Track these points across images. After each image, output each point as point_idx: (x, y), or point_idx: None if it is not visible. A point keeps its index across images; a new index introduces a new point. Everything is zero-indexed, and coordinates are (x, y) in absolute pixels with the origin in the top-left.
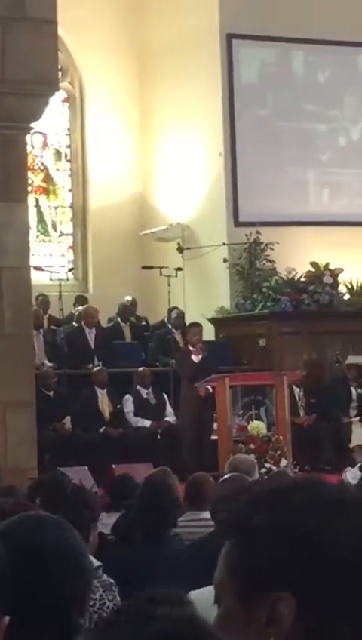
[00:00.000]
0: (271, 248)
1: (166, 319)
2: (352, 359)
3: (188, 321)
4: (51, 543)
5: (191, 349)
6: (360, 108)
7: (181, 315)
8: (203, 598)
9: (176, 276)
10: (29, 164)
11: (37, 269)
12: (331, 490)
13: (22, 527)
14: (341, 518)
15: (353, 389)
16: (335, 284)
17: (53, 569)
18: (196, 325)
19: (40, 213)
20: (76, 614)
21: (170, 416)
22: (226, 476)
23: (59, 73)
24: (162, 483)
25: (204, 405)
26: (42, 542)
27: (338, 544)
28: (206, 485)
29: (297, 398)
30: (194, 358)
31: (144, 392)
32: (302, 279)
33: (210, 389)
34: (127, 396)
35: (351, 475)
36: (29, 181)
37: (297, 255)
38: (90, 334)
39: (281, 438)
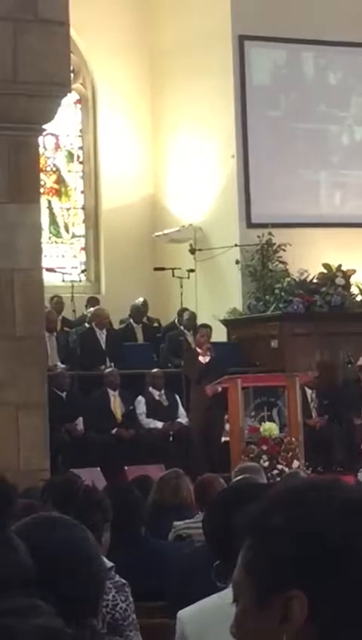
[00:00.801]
0: (284, 250)
1: (177, 321)
2: None
3: (200, 322)
4: (64, 543)
5: (198, 350)
6: None
7: (193, 317)
8: (192, 618)
9: (189, 278)
10: (41, 165)
11: (49, 270)
12: (347, 490)
13: (35, 528)
14: (355, 519)
15: None
16: (347, 286)
17: (66, 570)
18: (205, 327)
19: (52, 215)
20: (89, 615)
21: (183, 418)
22: (238, 478)
23: (72, 75)
24: (124, 488)
25: (214, 406)
26: (55, 543)
27: (351, 544)
28: (216, 486)
29: (309, 399)
30: (202, 359)
31: (156, 394)
32: (314, 281)
33: (219, 389)
34: (140, 397)
35: None
36: (42, 183)
37: (309, 256)
38: (102, 336)
39: (293, 439)
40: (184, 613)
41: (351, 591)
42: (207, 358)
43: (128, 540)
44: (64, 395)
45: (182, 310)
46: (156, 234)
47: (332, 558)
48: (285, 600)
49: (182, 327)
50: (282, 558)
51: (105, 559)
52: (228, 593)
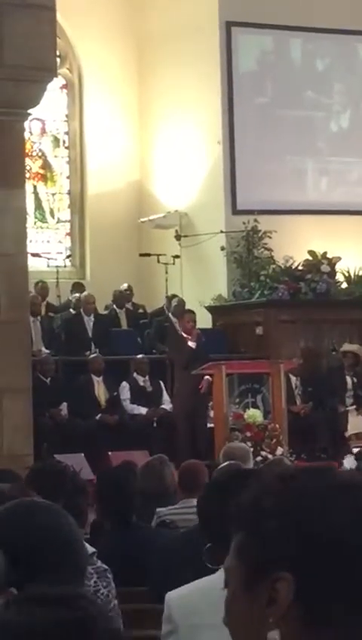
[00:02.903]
0: (269, 236)
1: (165, 307)
2: (347, 347)
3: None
4: (46, 529)
5: (186, 335)
6: (358, 96)
7: (181, 303)
8: (181, 601)
9: (174, 264)
10: (27, 150)
11: (34, 255)
12: (339, 476)
13: (16, 514)
14: (343, 502)
15: (348, 378)
16: (332, 273)
17: (48, 555)
18: (189, 312)
19: (38, 200)
20: None
21: (167, 404)
22: (222, 465)
23: (58, 59)
24: (118, 474)
25: (198, 392)
26: (37, 528)
27: (337, 527)
28: (199, 472)
29: (294, 386)
30: (191, 344)
31: (141, 380)
32: (300, 268)
33: (210, 379)
34: (124, 383)
35: (347, 463)
36: (27, 168)
37: (295, 243)
38: (89, 322)
39: (277, 426)
40: (172, 595)
41: (339, 575)
42: (195, 344)
43: (120, 527)
44: (48, 380)
45: (172, 296)
46: (142, 220)
47: (320, 541)
48: (272, 582)
49: (169, 314)
50: (270, 539)
51: (87, 545)
52: (216, 577)
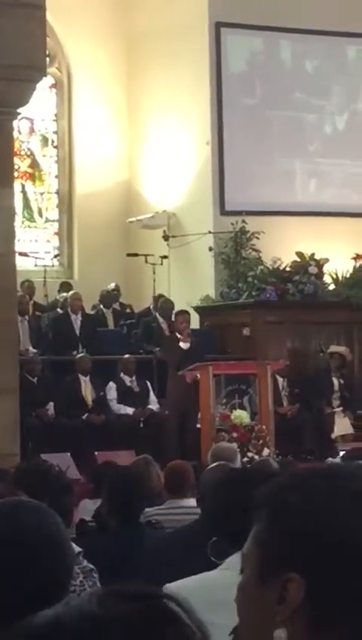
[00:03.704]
0: (257, 237)
1: (152, 307)
2: (334, 348)
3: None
4: (32, 528)
5: (179, 336)
6: (347, 98)
7: (169, 303)
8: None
9: (162, 264)
10: (15, 149)
11: (22, 254)
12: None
13: (2, 513)
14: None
15: (335, 380)
16: (320, 275)
17: (34, 555)
18: (184, 313)
19: (26, 199)
20: (57, 600)
21: (153, 404)
22: (212, 465)
23: (47, 59)
24: (131, 473)
25: (191, 393)
26: (23, 528)
27: (355, 534)
28: (186, 473)
29: (280, 387)
30: (183, 345)
31: (128, 380)
32: (288, 269)
33: (198, 376)
34: (111, 383)
35: None
36: (15, 167)
37: (283, 245)
38: (76, 321)
39: (264, 427)
40: (170, 586)
41: (350, 582)
42: (188, 344)
43: (127, 526)
44: (35, 380)
45: (159, 296)
46: (130, 220)
47: (336, 547)
48: (283, 581)
49: (156, 314)
50: (290, 535)
51: (73, 544)
52: (214, 574)
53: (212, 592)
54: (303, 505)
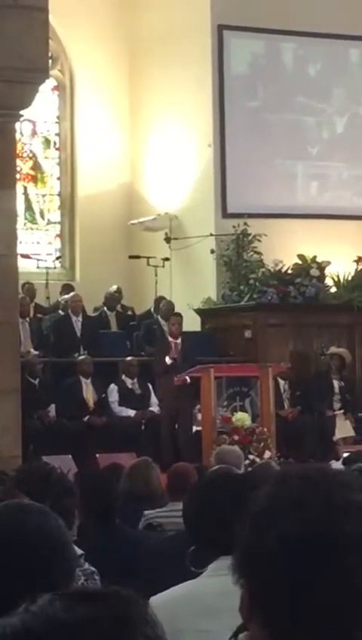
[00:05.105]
0: (259, 240)
1: (153, 309)
2: (334, 349)
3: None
4: (35, 531)
5: (171, 340)
6: (349, 101)
7: (170, 306)
8: (165, 605)
9: (163, 266)
10: (17, 151)
11: (24, 256)
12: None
13: (5, 516)
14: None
15: (335, 382)
16: (321, 277)
17: (37, 557)
18: (175, 315)
19: (28, 201)
20: None
21: (155, 407)
22: (215, 468)
23: (50, 61)
24: (99, 476)
25: (182, 396)
26: (26, 530)
27: (280, 540)
28: (189, 475)
29: (282, 390)
30: (168, 360)
31: (129, 382)
32: (289, 271)
33: (187, 379)
34: (112, 386)
35: None
36: (18, 168)
37: (284, 247)
38: (77, 323)
39: (265, 430)
40: (156, 600)
41: (279, 589)
42: (171, 361)
43: (103, 529)
44: (36, 381)
45: (160, 299)
46: (132, 222)
47: (275, 554)
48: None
49: (158, 316)
50: (242, 544)
51: (75, 547)
52: (201, 581)
53: (200, 599)
54: (248, 515)
